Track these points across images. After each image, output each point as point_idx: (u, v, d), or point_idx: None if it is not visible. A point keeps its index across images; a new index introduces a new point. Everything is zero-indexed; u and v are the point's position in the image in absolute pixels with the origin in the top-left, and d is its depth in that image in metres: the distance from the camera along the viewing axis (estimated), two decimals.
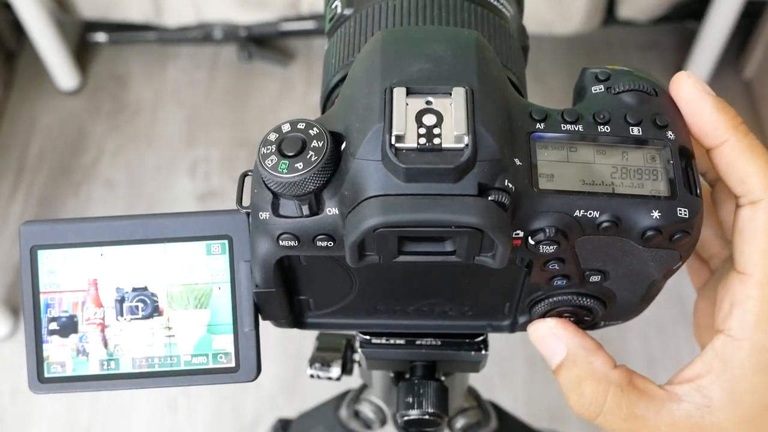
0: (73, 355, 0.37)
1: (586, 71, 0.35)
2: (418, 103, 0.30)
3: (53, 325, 0.37)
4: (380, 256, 0.31)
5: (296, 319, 0.40)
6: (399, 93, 0.30)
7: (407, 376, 0.47)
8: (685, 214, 0.31)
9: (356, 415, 0.63)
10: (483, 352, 0.44)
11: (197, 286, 0.37)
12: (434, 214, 0.29)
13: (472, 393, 0.62)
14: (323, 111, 0.39)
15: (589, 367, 0.35)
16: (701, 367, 0.34)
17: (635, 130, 0.32)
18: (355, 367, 0.55)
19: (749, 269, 0.33)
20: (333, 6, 0.41)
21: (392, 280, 0.37)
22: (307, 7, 1.49)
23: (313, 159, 0.30)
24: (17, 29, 1.56)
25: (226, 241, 0.36)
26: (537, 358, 1.17)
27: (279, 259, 0.34)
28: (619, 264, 0.34)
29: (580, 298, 0.36)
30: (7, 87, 1.59)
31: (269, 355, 1.18)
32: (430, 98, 0.30)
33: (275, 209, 0.32)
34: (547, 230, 0.31)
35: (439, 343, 0.44)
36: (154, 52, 1.65)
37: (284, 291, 0.36)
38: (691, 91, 0.33)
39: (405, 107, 0.30)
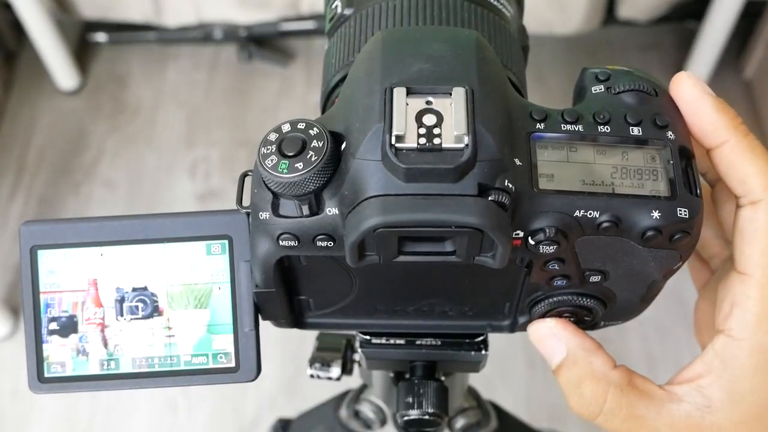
0: (73, 355, 0.37)
1: (586, 71, 0.35)
2: (418, 103, 0.30)
3: (53, 325, 0.37)
4: (380, 256, 0.31)
5: (296, 319, 0.40)
6: (399, 93, 0.30)
7: (407, 376, 0.47)
8: (685, 215, 0.31)
9: (356, 415, 0.63)
10: (483, 352, 0.44)
11: (197, 286, 0.37)
12: (434, 214, 0.29)
13: (472, 393, 0.62)
14: (323, 111, 0.39)
15: (589, 368, 0.35)
16: (701, 367, 0.34)
17: (635, 130, 0.32)
18: (355, 367, 0.55)
19: (749, 269, 0.33)
20: (333, 6, 0.41)
21: (392, 280, 0.37)
22: (307, 7, 1.49)
23: (313, 159, 0.30)
24: (17, 29, 1.56)
25: (226, 241, 0.36)
26: (537, 358, 1.17)
27: (279, 259, 0.34)
28: (619, 264, 0.34)
29: (580, 298, 0.36)
30: (7, 87, 1.59)
31: (269, 355, 1.18)
32: (430, 98, 0.30)
33: (275, 209, 0.32)
34: (547, 230, 0.31)
35: (439, 343, 0.44)
36: (154, 52, 1.65)
37: (284, 291, 0.36)
38: (691, 91, 0.33)
39: (405, 107, 0.30)
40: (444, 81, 0.30)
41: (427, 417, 0.46)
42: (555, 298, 0.36)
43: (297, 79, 1.61)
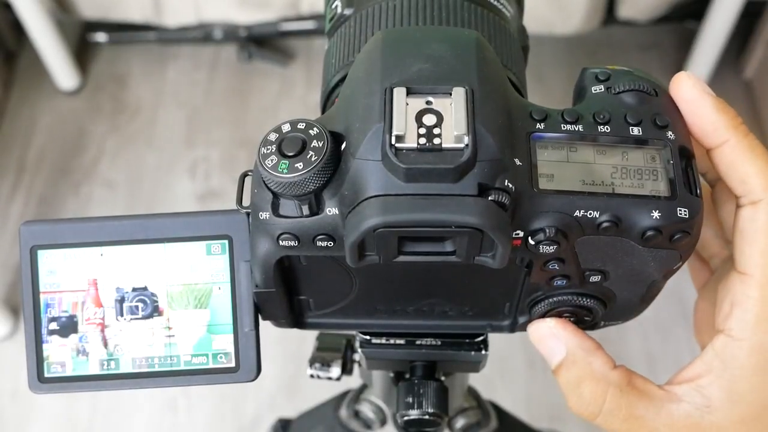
0: (73, 355, 0.37)
1: (586, 71, 0.35)
2: (418, 103, 0.30)
3: (53, 325, 0.37)
4: (380, 256, 0.31)
5: (296, 319, 0.40)
6: (399, 93, 0.30)
7: (407, 376, 0.47)
8: (685, 214, 0.31)
9: (356, 415, 0.63)
10: (483, 352, 0.44)
11: (197, 286, 0.37)
12: (434, 214, 0.29)
13: (472, 393, 0.62)
14: (323, 111, 0.39)
15: (589, 368, 0.35)
16: (701, 367, 0.34)
17: (635, 130, 0.32)
18: (355, 367, 0.55)
19: (750, 269, 0.33)
20: (333, 6, 0.41)
21: (392, 280, 0.37)
22: (307, 7, 1.49)
23: (313, 159, 0.30)
24: (17, 29, 1.56)
25: (226, 241, 0.36)
26: (537, 358, 1.17)
27: (279, 259, 0.34)
28: (619, 264, 0.34)
29: (580, 298, 0.36)
30: (7, 87, 1.59)
31: (269, 355, 1.18)
32: (430, 98, 0.30)
33: (275, 209, 0.32)
34: (547, 230, 0.31)
35: (439, 343, 0.44)
36: (154, 52, 1.65)
37: (284, 291, 0.36)
38: (691, 91, 0.33)
39: (405, 107, 0.30)
40: (444, 81, 0.30)
41: (427, 417, 0.46)
42: (555, 298, 0.36)
43: (297, 79, 1.61)
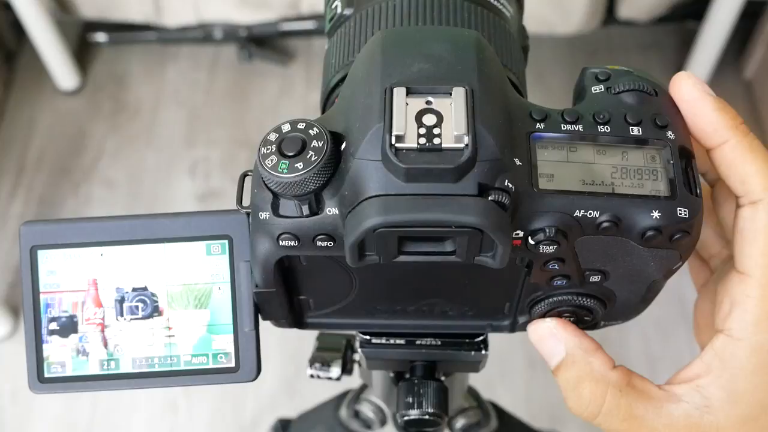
0: (73, 355, 0.37)
1: (586, 71, 0.35)
2: (418, 103, 0.30)
3: (53, 325, 0.37)
4: (380, 256, 0.31)
5: (296, 319, 0.40)
6: (399, 93, 0.30)
7: (407, 376, 0.47)
8: (685, 214, 0.31)
9: (356, 415, 0.63)
10: (483, 352, 0.44)
11: (197, 286, 0.37)
12: (434, 214, 0.29)
13: (472, 393, 0.62)
14: (323, 111, 0.39)
15: (588, 368, 0.35)
16: (701, 367, 0.34)
17: (635, 130, 0.32)
18: (355, 367, 0.55)
19: (749, 269, 0.33)
20: (333, 6, 0.41)
21: (392, 280, 0.37)
22: (307, 7, 1.49)
23: (313, 159, 0.30)
24: (17, 29, 1.56)
25: (226, 241, 0.36)
26: (537, 358, 1.17)
27: (279, 259, 0.34)
28: (619, 264, 0.34)
29: (580, 298, 0.36)
30: (7, 87, 1.59)
31: (269, 355, 1.18)
32: (430, 98, 0.30)
33: (275, 209, 0.32)
34: (547, 230, 0.31)
35: (439, 343, 0.44)
36: (154, 52, 1.65)
37: (284, 291, 0.36)
38: (691, 91, 0.33)
39: (405, 107, 0.30)
40: (444, 81, 0.30)
41: (427, 417, 0.46)
42: (555, 298, 0.36)
43: (297, 79, 1.61)
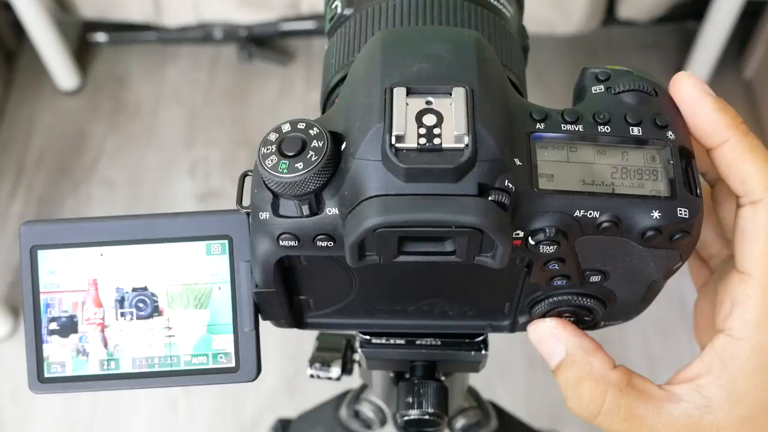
0: (73, 355, 0.37)
1: (586, 71, 0.35)
2: (418, 103, 0.30)
3: (53, 325, 0.37)
4: (380, 256, 0.31)
5: (296, 319, 0.40)
6: (399, 93, 0.30)
7: (407, 376, 0.47)
8: (685, 214, 0.31)
9: (356, 415, 0.63)
10: (483, 352, 0.44)
11: (197, 286, 0.37)
12: (434, 214, 0.29)
13: (472, 393, 0.62)
14: (323, 111, 0.39)
15: (588, 368, 0.35)
16: (701, 367, 0.34)
17: (635, 130, 0.32)
18: (355, 367, 0.55)
19: (750, 269, 0.33)
20: (333, 6, 0.41)
21: (392, 280, 0.37)
22: (307, 7, 1.49)
23: (313, 159, 0.30)
24: (17, 29, 1.56)
25: (226, 241, 0.36)
26: (537, 358, 1.17)
27: (279, 259, 0.34)
28: (619, 264, 0.34)
29: (580, 298, 0.36)
30: (7, 87, 1.59)
31: (269, 355, 1.18)
32: (430, 98, 0.30)
33: (275, 209, 0.32)
34: (547, 230, 0.31)
35: (439, 343, 0.44)
36: (154, 52, 1.65)
37: (284, 291, 0.36)
38: (691, 91, 0.33)
39: (405, 107, 0.30)
40: (444, 81, 0.30)
41: (427, 417, 0.46)
42: (555, 298, 0.36)
43: (297, 79, 1.61)
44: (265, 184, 0.31)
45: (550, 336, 0.37)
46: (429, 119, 0.30)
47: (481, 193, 0.29)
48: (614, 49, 1.62)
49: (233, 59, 1.63)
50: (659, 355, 1.25)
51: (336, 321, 0.41)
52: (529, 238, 0.31)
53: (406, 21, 0.37)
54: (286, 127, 0.31)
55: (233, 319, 0.37)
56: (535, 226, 0.31)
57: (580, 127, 0.32)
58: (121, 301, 0.37)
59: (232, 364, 0.37)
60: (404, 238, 0.31)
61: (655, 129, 0.32)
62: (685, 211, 0.31)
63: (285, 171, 0.30)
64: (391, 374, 0.51)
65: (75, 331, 0.37)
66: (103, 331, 0.37)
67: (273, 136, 0.31)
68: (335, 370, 0.54)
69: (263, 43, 1.63)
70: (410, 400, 0.46)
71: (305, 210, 0.31)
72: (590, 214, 0.31)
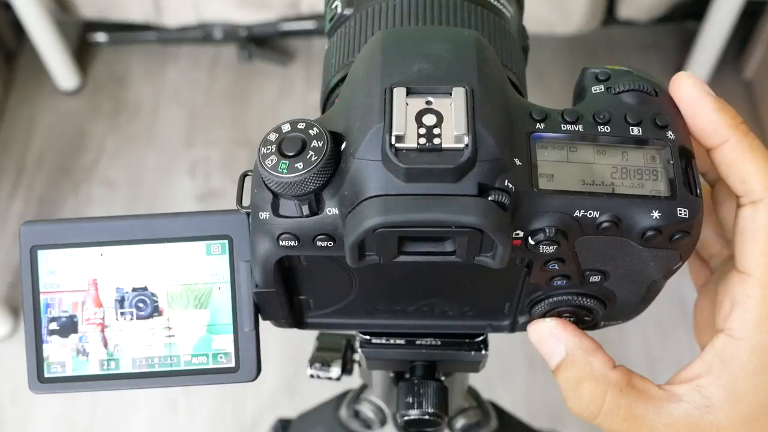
0: (73, 355, 0.37)
1: (586, 71, 0.35)
2: (418, 103, 0.30)
3: (53, 325, 0.37)
4: (380, 256, 0.31)
5: (296, 319, 0.40)
6: (399, 93, 0.30)
7: (407, 376, 0.47)
8: (685, 214, 0.31)
9: (356, 415, 0.63)
10: (483, 352, 0.44)
11: (197, 286, 0.37)
12: (434, 215, 0.29)
13: (472, 393, 0.62)
14: (323, 111, 0.39)
15: (588, 368, 0.35)
16: (701, 367, 0.34)
17: (635, 130, 0.32)
18: (355, 367, 0.55)
19: (750, 269, 0.33)
20: (333, 6, 0.41)
21: (392, 280, 0.37)
22: (307, 7, 1.49)
23: (313, 159, 0.30)
24: (17, 29, 1.56)
25: (226, 241, 0.36)
26: (537, 358, 1.17)
27: (279, 259, 0.34)
28: (619, 264, 0.34)
29: (580, 298, 0.36)
30: (7, 87, 1.59)
31: (269, 355, 1.18)
32: (430, 98, 0.30)
33: (275, 209, 0.32)
34: (547, 230, 0.31)
35: (439, 343, 0.44)
36: (154, 52, 1.65)
37: (284, 291, 0.36)
38: (691, 91, 0.33)
39: (405, 107, 0.30)
40: (444, 81, 0.30)
41: (427, 417, 0.46)
42: (555, 298, 0.36)
43: (297, 79, 1.61)
44: (265, 184, 0.31)
45: (550, 336, 0.37)
46: (429, 119, 0.30)
47: (481, 193, 0.29)
48: (614, 49, 1.62)
49: (233, 59, 1.63)
50: (659, 355, 1.25)
51: (336, 321, 0.41)
52: (529, 238, 0.31)
53: (406, 21, 0.37)
54: (286, 127, 0.31)
55: (233, 319, 0.37)
56: (535, 226, 0.31)
57: (580, 127, 0.32)
58: (121, 301, 0.37)
59: (232, 364, 0.37)
60: (404, 238, 0.31)
61: (655, 129, 0.32)
62: (685, 211, 0.31)
63: (285, 171, 0.30)
64: (391, 374, 0.51)
65: (75, 331, 0.37)
66: (103, 331, 0.37)
67: (273, 136, 0.31)
68: (335, 370, 0.54)
69: (263, 43, 1.63)
70: (410, 400, 0.46)
71: (305, 210, 0.31)
72: (590, 214, 0.31)
